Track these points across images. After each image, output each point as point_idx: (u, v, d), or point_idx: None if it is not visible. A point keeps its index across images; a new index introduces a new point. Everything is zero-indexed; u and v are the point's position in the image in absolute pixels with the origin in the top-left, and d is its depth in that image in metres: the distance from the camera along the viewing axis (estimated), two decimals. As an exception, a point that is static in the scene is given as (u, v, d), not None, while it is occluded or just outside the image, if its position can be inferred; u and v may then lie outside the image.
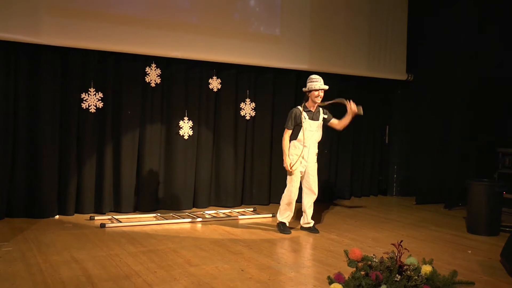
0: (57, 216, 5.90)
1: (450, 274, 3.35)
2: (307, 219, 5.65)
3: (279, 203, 7.37)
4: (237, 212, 6.59)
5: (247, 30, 6.90)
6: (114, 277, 3.77)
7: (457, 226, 6.19)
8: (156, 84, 6.45)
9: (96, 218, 5.86)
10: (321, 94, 5.46)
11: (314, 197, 5.72)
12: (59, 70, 5.90)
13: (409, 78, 8.38)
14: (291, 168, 5.44)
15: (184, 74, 6.65)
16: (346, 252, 3.39)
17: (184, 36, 6.40)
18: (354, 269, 3.27)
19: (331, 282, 3.15)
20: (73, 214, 6.01)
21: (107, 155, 6.20)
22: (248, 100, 7.14)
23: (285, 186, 7.51)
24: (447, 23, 7.75)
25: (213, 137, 6.93)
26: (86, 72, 6.05)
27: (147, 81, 6.39)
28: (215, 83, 6.85)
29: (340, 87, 8.03)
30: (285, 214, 5.61)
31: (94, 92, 6.07)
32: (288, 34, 7.20)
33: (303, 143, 5.46)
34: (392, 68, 8.22)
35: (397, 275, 3.15)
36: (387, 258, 3.30)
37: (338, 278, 3.16)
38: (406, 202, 7.99)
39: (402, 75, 8.35)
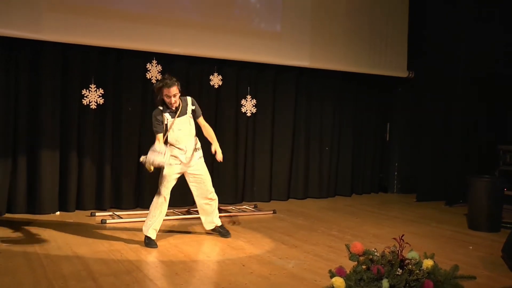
0: (58, 213, 5.90)
1: (451, 268, 3.34)
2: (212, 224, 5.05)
3: (280, 200, 7.43)
4: (238, 209, 6.58)
5: (248, 27, 6.90)
6: (116, 272, 3.77)
7: (458, 223, 6.19)
8: (157, 80, 6.44)
9: (97, 214, 5.86)
10: (173, 100, 4.49)
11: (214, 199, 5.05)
12: (59, 66, 5.90)
13: (410, 75, 8.37)
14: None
15: (185, 70, 6.65)
16: (347, 246, 3.38)
17: (185, 33, 6.39)
18: (356, 263, 3.27)
19: (332, 275, 3.14)
20: (74, 211, 6.01)
21: (108, 151, 6.20)
22: (249, 96, 7.14)
23: (287, 182, 7.58)
24: (448, 20, 7.74)
25: (213, 134, 6.92)
26: (86, 68, 6.05)
27: (148, 78, 6.39)
28: (216, 80, 6.85)
29: (341, 84, 8.05)
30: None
31: (95, 89, 6.07)
32: (289, 31, 7.19)
33: (178, 146, 4.64)
34: (393, 65, 8.21)
35: (398, 269, 3.14)
36: (389, 252, 3.30)
37: (339, 272, 3.15)
38: (407, 199, 7.98)
39: (403, 73, 8.33)
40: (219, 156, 4.92)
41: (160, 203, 4.68)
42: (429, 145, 8.01)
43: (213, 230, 5.12)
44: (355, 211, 6.84)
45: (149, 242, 4.61)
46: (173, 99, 4.52)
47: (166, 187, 4.69)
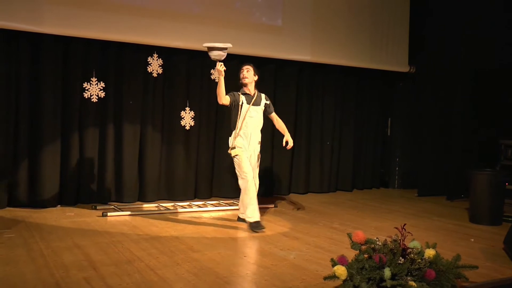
0: (59, 206, 5.89)
1: (453, 258, 3.34)
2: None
3: (281, 194, 7.43)
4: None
5: (249, 21, 6.88)
6: (117, 262, 3.77)
7: (459, 216, 6.18)
8: (158, 74, 6.44)
9: (98, 207, 5.85)
10: (245, 74, 5.20)
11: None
12: (60, 59, 5.88)
13: (411, 70, 8.36)
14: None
15: (186, 64, 6.64)
16: (349, 235, 3.38)
17: (186, 26, 6.38)
18: (357, 252, 3.26)
19: (334, 264, 3.15)
20: (75, 204, 6.00)
21: (109, 145, 6.19)
22: (250, 91, 7.12)
23: (288, 177, 7.58)
24: (450, 15, 7.72)
25: (214, 128, 6.91)
26: (88, 61, 6.04)
27: (149, 71, 6.39)
28: (216, 74, 6.81)
29: (342, 79, 8.04)
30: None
31: (96, 82, 6.06)
32: (290, 25, 7.18)
33: (244, 131, 5.13)
34: (394, 60, 8.20)
35: (400, 258, 3.14)
36: (391, 241, 3.29)
37: (341, 260, 3.16)
38: (408, 194, 7.97)
39: (404, 67, 8.32)
40: (290, 144, 5.30)
41: (248, 186, 5.03)
42: (430, 140, 8.00)
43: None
44: (356, 205, 6.83)
45: (256, 226, 4.97)
46: (244, 73, 5.19)
47: (244, 170, 5.03)
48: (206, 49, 4.96)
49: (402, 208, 6.76)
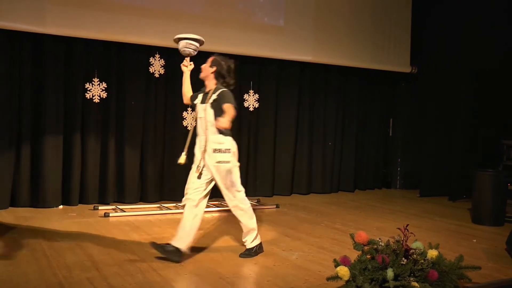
0: (61, 206, 5.90)
1: (456, 258, 3.35)
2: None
3: (283, 195, 7.43)
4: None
5: (250, 21, 6.89)
6: (119, 262, 3.77)
7: (461, 217, 6.17)
8: (160, 74, 6.45)
9: (100, 208, 5.86)
10: (202, 66, 4.08)
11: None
12: (62, 59, 5.89)
13: (413, 70, 8.35)
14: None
15: (188, 64, 6.64)
16: (352, 236, 3.39)
17: (188, 26, 6.35)
18: (360, 252, 3.27)
19: (337, 265, 3.15)
20: (77, 204, 6.00)
21: (111, 145, 6.20)
22: (251, 91, 7.13)
23: (290, 177, 7.59)
24: (451, 15, 7.72)
25: (216, 128, 6.91)
26: (89, 62, 6.04)
27: (151, 72, 6.39)
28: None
29: (344, 79, 8.04)
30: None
31: (98, 82, 6.06)
32: (292, 25, 7.18)
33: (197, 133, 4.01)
34: (396, 60, 8.19)
35: (403, 258, 3.14)
36: (393, 241, 3.30)
37: (344, 261, 3.16)
38: (410, 195, 7.96)
39: (406, 68, 8.31)
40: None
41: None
42: (432, 140, 7.99)
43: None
44: (359, 206, 6.83)
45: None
46: (202, 67, 4.11)
47: (188, 185, 3.99)
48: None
49: (404, 208, 6.75)
